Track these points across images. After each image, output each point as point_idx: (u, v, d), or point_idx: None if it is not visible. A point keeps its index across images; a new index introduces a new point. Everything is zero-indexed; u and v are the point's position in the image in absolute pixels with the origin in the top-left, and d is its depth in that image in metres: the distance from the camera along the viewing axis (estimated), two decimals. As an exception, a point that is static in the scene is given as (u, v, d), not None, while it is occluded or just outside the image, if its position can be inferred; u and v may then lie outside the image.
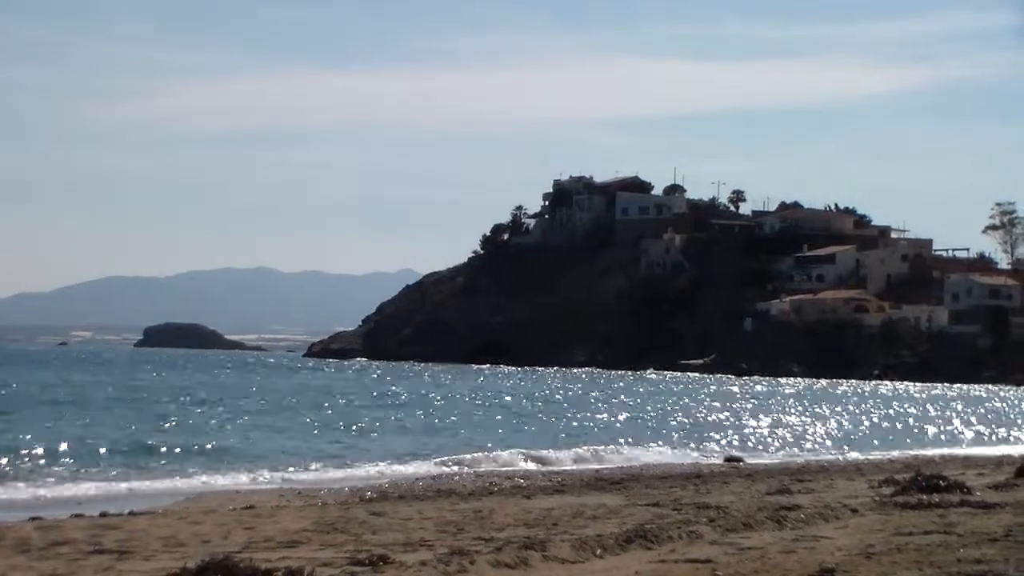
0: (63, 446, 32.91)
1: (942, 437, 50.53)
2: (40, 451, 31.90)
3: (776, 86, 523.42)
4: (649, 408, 66.43)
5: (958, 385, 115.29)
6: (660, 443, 41.55)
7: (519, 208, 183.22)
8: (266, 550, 14.66)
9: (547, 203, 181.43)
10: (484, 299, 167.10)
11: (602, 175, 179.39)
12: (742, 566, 12.75)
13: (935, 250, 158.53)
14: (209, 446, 36.01)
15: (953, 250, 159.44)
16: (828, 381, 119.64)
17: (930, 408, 76.32)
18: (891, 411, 70.66)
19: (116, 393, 66.75)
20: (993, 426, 58.44)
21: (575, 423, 52.27)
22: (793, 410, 68.64)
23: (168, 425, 44.03)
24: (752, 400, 79.81)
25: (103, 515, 19.57)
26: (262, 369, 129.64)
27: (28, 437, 35.72)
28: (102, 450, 33.26)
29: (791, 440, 46.07)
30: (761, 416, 60.53)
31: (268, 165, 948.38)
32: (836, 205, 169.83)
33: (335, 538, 15.93)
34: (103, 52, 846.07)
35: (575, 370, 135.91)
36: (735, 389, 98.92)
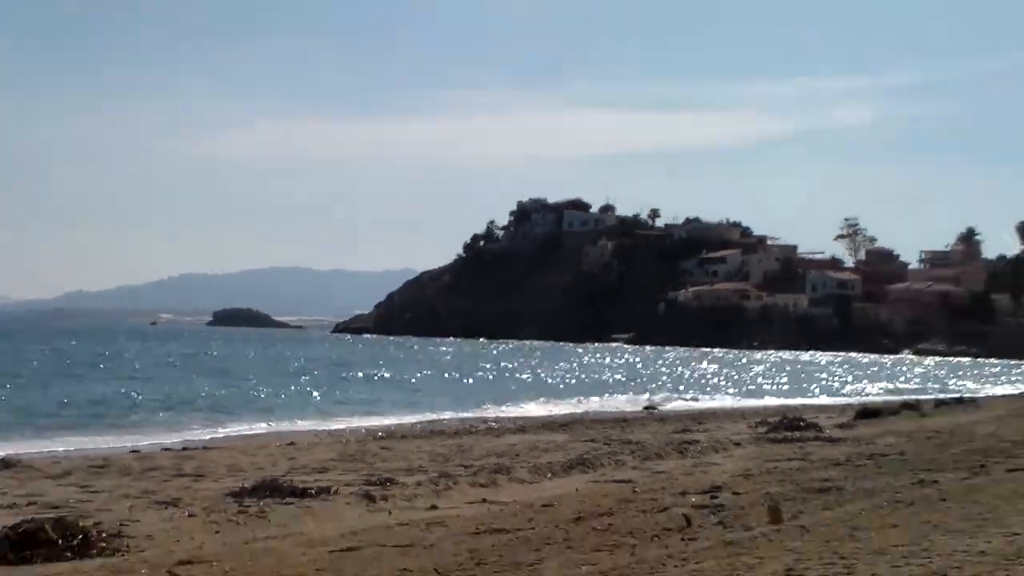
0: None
1: (805, 389, 50.75)
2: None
3: (684, 131, 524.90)
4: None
5: (815, 353, 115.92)
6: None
7: (492, 222, 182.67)
8: (303, 474, 14.73)
9: (513, 218, 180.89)
10: (465, 291, 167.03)
11: (553, 197, 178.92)
12: (654, 484, 12.88)
13: (799, 253, 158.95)
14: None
15: (812, 253, 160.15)
16: (723, 349, 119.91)
17: (795, 369, 76.70)
18: (770, 372, 70.98)
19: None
20: (839, 383, 58.78)
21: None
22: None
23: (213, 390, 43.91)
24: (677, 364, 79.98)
25: (184, 449, 19.61)
26: (300, 343, 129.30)
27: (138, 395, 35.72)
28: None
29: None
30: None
31: (306, 190, 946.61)
32: (727, 219, 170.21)
33: (355, 465, 15.99)
34: (185, 99, 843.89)
35: (534, 342, 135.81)
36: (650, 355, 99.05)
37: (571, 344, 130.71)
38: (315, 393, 41.24)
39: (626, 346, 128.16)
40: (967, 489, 10.38)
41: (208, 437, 23.80)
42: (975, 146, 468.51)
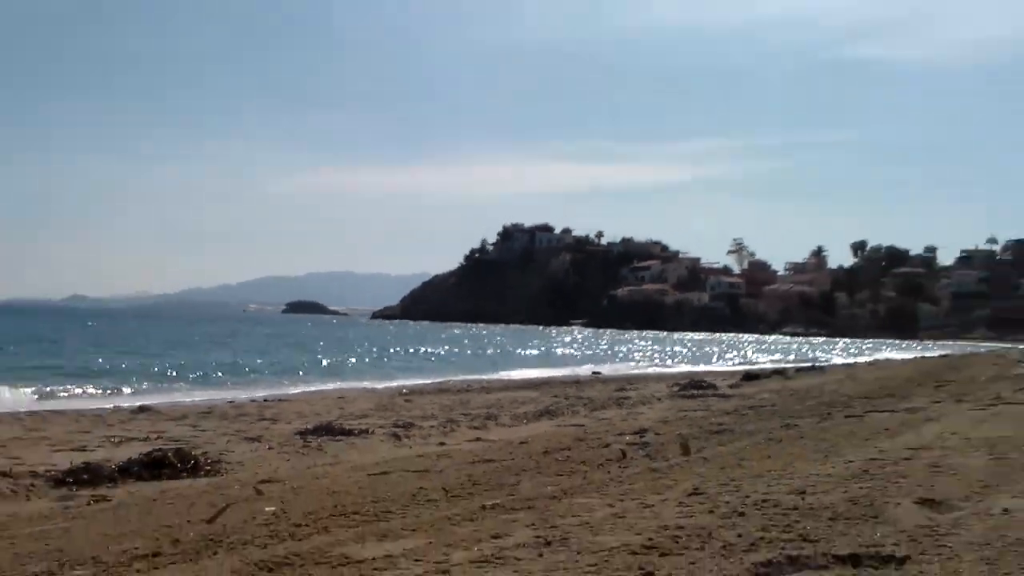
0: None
1: (706, 359, 50.67)
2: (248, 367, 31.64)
3: (622, 177, 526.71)
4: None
5: (714, 334, 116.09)
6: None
7: (484, 240, 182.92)
8: (350, 419, 14.63)
9: (499, 237, 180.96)
10: (466, 289, 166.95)
11: (528, 223, 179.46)
12: (599, 427, 12.84)
13: (702, 264, 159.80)
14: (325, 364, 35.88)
15: (711, 263, 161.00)
16: (648, 332, 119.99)
17: (699, 346, 76.75)
18: (681, 347, 70.99)
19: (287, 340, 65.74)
20: (730, 354, 58.82)
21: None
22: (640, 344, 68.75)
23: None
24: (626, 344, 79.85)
25: (266, 400, 19.49)
26: (350, 325, 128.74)
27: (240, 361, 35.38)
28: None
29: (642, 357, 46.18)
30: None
31: (352, 216, 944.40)
32: (651, 239, 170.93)
33: (386, 414, 15.89)
34: (270, 149, 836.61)
35: (515, 325, 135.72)
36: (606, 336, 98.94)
37: (542, 327, 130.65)
38: (367, 359, 41.17)
39: (581, 329, 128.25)
40: (818, 430, 10.37)
41: (290, 392, 23.73)
42: (821, 189, 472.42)
